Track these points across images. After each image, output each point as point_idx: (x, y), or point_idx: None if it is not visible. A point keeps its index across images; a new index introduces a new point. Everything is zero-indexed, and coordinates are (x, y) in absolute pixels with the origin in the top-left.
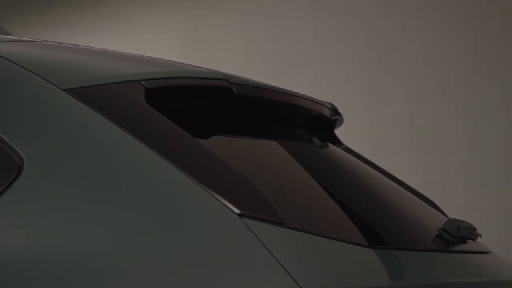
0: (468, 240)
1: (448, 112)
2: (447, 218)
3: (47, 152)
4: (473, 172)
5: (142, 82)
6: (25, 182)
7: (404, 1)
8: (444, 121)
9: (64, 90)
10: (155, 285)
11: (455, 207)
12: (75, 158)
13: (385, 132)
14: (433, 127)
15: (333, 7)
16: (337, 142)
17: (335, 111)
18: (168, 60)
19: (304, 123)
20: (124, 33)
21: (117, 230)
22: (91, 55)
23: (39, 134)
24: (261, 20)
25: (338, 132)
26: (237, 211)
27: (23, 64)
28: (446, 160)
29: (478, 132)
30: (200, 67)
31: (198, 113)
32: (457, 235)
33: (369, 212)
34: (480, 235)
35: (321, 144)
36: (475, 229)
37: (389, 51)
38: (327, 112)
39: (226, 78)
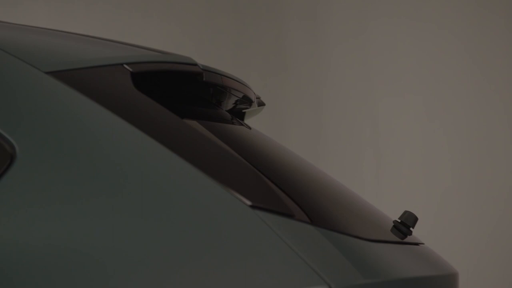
0: None
1: None
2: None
3: (39, 139)
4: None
5: (126, 66)
6: (19, 171)
7: None
8: None
9: (46, 73)
10: (170, 279)
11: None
12: (70, 144)
13: None
14: None
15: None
16: None
17: (260, 100)
18: (137, 44)
19: (239, 110)
20: None
21: (121, 224)
22: (66, 38)
23: (28, 120)
24: None
25: None
26: (249, 202)
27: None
28: None
29: None
30: (167, 51)
31: (177, 99)
32: (412, 227)
33: (354, 204)
34: None
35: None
36: None
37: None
38: (256, 101)
39: (196, 63)
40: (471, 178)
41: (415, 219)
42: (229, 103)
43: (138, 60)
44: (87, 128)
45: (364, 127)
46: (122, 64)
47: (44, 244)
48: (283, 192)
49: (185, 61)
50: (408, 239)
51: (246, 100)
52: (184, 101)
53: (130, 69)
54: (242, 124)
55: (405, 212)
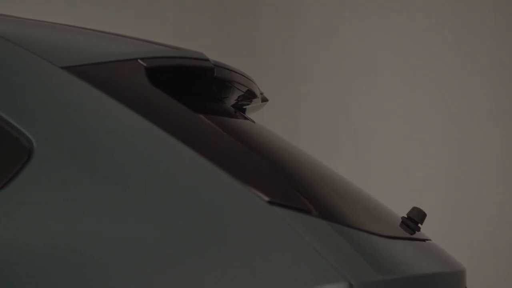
0: None
1: None
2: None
3: (55, 134)
4: None
5: (140, 61)
6: (37, 166)
7: None
8: None
9: (61, 68)
10: (188, 274)
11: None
12: (86, 139)
13: None
14: None
15: None
16: None
17: (264, 96)
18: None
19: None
20: None
21: (138, 218)
22: (80, 33)
23: (44, 115)
24: None
25: None
26: (266, 198)
27: (14, 40)
28: None
29: None
30: (177, 46)
31: (187, 94)
32: (421, 224)
33: (364, 200)
34: None
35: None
36: None
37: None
38: (260, 97)
39: (208, 58)
40: (453, 175)
41: (423, 215)
42: (233, 98)
43: (152, 55)
44: (103, 123)
45: (341, 124)
46: (136, 59)
47: (60, 241)
48: (299, 187)
49: (197, 57)
50: (416, 235)
51: (251, 96)
52: (193, 96)
53: (145, 64)
54: (247, 119)
55: (414, 208)
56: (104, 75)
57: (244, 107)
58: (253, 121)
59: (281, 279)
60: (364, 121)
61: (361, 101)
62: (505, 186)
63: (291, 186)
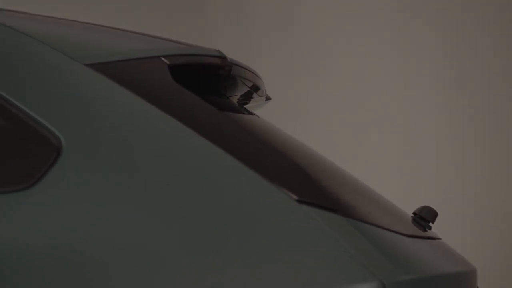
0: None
1: None
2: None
3: (84, 132)
4: None
5: (163, 58)
6: (66, 164)
7: None
8: None
9: (86, 65)
10: (218, 272)
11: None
12: (112, 136)
13: None
14: None
15: None
16: None
17: (267, 94)
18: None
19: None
20: None
21: (166, 217)
22: (102, 31)
23: (72, 113)
24: None
25: None
26: (295, 197)
27: (40, 38)
28: None
29: None
30: (193, 44)
31: (203, 91)
32: (432, 223)
33: (380, 198)
34: None
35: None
36: None
37: None
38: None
39: (226, 56)
40: (402, 174)
41: (434, 214)
42: (238, 96)
43: (174, 52)
44: (129, 121)
45: (292, 118)
46: (159, 57)
47: (92, 238)
48: (324, 186)
49: (216, 54)
50: (428, 233)
51: (258, 94)
52: (205, 93)
53: (167, 62)
54: (253, 115)
55: (424, 207)
56: (128, 72)
57: (245, 105)
58: (258, 117)
59: (311, 277)
60: (314, 115)
61: (311, 95)
62: (506, 186)
63: (317, 185)
